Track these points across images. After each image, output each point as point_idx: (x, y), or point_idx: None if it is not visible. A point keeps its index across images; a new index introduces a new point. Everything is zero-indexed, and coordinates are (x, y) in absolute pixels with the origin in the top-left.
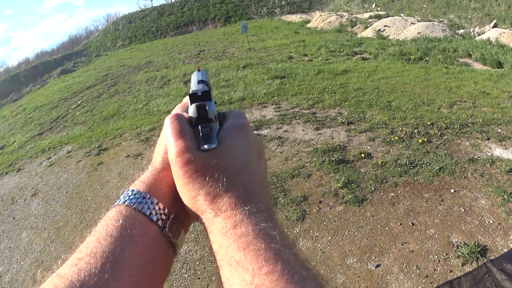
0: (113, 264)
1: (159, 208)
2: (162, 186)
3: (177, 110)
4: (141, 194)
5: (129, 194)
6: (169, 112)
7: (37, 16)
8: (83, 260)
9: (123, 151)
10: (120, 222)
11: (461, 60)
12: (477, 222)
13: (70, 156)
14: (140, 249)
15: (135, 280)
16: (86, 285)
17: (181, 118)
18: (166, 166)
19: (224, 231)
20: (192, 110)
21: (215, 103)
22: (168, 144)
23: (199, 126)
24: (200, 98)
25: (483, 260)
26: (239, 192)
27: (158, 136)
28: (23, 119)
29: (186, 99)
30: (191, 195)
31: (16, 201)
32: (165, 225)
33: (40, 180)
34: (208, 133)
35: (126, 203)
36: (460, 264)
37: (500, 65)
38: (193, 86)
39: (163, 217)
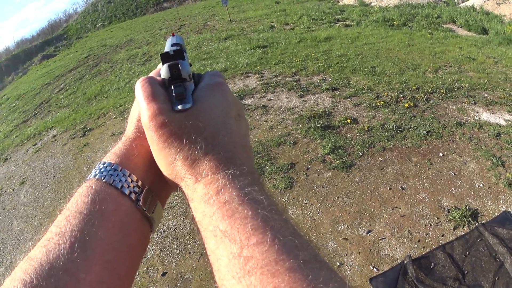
0: (82, 243)
1: (132, 180)
2: (135, 157)
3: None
4: (112, 166)
5: (100, 167)
6: None
7: (14, 5)
8: (53, 240)
9: (108, 130)
10: (90, 197)
11: (445, 26)
12: (467, 186)
13: (55, 140)
14: (111, 225)
15: (108, 259)
16: (55, 267)
17: (152, 80)
18: (139, 135)
19: (206, 198)
20: (164, 71)
21: (190, 65)
22: (140, 109)
23: (172, 86)
24: (173, 57)
25: (475, 224)
26: (219, 154)
27: None
28: (7, 109)
29: (161, 65)
30: (168, 160)
31: (5, 191)
32: (138, 198)
33: (27, 167)
34: (182, 93)
35: (96, 177)
36: (452, 228)
37: (485, 31)
38: (167, 49)
39: (136, 189)
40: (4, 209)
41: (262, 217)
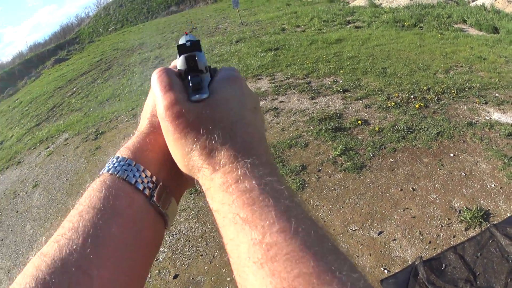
0: (95, 239)
1: (146, 176)
2: (149, 152)
3: None
4: (126, 161)
5: (114, 162)
6: None
7: (26, 10)
8: (65, 236)
9: (120, 133)
10: (103, 192)
11: (456, 26)
12: (479, 186)
13: (67, 143)
14: (125, 221)
15: (120, 256)
16: (67, 263)
17: (169, 71)
18: (153, 130)
19: (225, 187)
20: (181, 62)
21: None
22: (156, 99)
23: (189, 76)
24: (189, 49)
25: (486, 225)
26: (237, 144)
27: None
28: (20, 112)
29: (174, 62)
30: (184, 151)
31: (18, 194)
32: (152, 194)
33: (40, 170)
34: (199, 83)
35: (110, 172)
36: (463, 229)
37: (496, 30)
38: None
39: (150, 185)
40: (17, 211)
41: (285, 206)
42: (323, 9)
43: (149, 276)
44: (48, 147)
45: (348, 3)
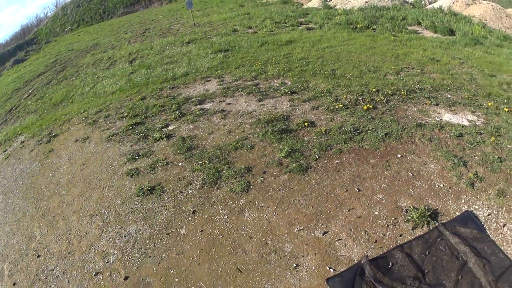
0: None
1: None
2: None
3: None
4: None
5: None
6: (114, 93)
7: None
8: None
9: (72, 136)
10: None
11: (410, 28)
12: (427, 186)
13: (23, 146)
14: None
15: None
16: None
17: None
18: None
19: None
20: None
21: None
22: None
23: None
24: None
25: (435, 224)
26: None
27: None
28: None
29: None
30: None
31: None
32: None
33: None
34: None
35: None
36: (410, 228)
37: (451, 32)
38: None
39: None
40: None
41: None
42: (276, 11)
43: (100, 277)
44: (6, 150)
45: (302, 4)
